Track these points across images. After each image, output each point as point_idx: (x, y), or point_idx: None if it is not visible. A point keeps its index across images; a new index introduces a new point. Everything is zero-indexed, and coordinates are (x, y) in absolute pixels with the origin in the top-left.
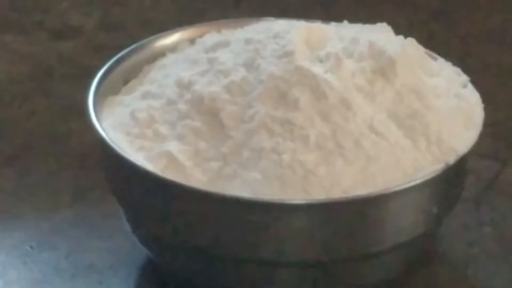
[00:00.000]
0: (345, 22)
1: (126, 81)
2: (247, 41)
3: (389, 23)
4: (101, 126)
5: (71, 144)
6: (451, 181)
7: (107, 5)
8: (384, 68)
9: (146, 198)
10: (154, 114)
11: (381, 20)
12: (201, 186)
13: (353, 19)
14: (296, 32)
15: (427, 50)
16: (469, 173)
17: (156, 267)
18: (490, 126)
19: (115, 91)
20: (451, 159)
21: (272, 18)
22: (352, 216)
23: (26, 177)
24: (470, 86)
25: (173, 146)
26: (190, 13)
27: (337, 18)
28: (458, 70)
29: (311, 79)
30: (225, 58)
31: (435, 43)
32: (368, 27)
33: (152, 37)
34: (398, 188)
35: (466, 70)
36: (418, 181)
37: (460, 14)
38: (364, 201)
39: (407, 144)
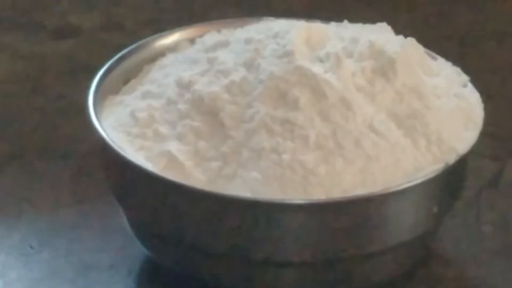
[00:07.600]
0: (345, 22)
1: (126, 81)
2: (247, 41)
3: (389, 23)
4: (101, 126)
5: (71, 144)
6: (451, 181)
7: (107, 5)
8: (384, 68)
9: (146, 198)
10: (154, 114)
11: (381, 20)
12: (201, 186)
13: (353, 19)
14: (296, 32)
15: (427, 50)
16: (469, 173)
17: (156, 267)
18: (490, 126)
19: (115, 91)
20: (451, 159)
21: (272, 18)
22: (352, 216)
23: (26, 177)
24: (470, 86)
25: (173, 146)
26: (190, 13)
27: (337, 18)
28: (458, 70)
29: (311, 79)
30: (225, 58)
31: (435, 43)
32: (368, 27)
33: (152, 37)
34: (398, 188)
35: (466, 70)
36: (418, 181)
37: (460, 14)
38: (364, 201)
39: (407, 144)
